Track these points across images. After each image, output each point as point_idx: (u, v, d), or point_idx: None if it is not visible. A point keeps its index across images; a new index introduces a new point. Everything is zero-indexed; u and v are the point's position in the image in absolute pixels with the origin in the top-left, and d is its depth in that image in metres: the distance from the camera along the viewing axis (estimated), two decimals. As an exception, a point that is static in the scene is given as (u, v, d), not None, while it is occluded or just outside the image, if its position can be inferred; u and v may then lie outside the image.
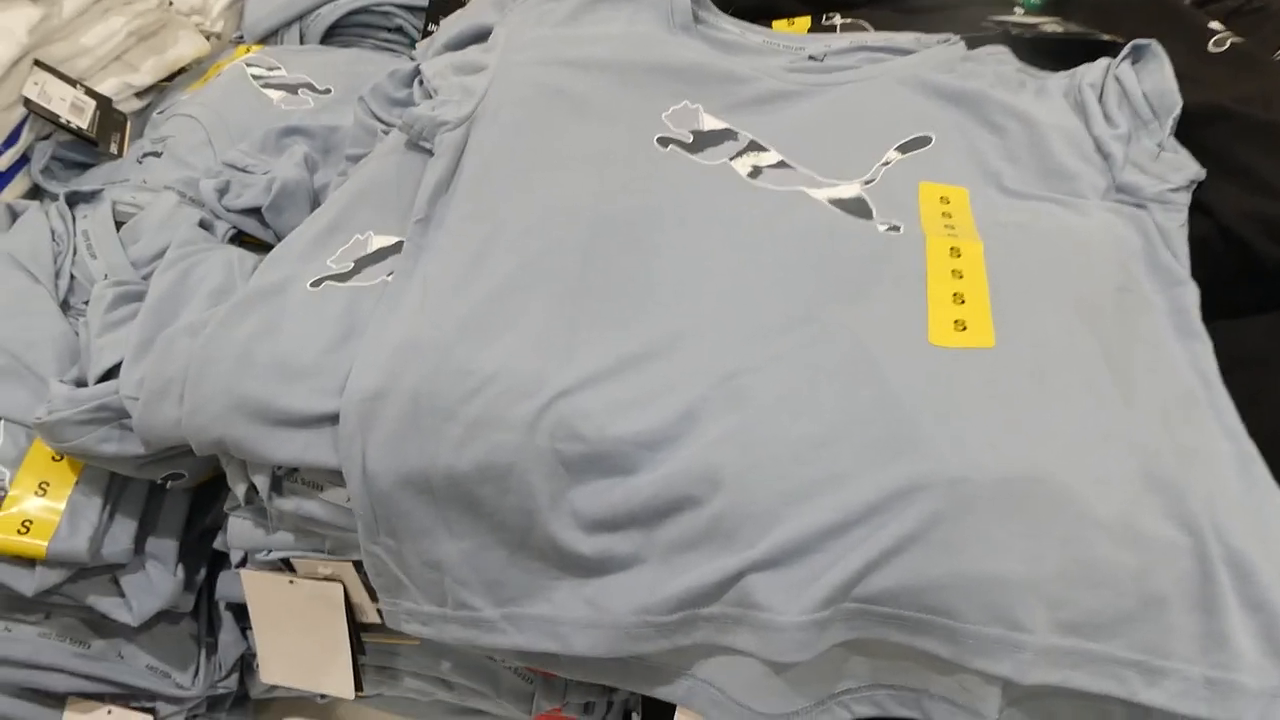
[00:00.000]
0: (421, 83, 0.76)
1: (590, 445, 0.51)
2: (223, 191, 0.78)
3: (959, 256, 0.58)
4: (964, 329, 0.53)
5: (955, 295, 0.56)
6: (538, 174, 0.63)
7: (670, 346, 0.55)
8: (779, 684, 0.52)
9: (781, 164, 0.67)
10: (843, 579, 0.47)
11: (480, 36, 0.79)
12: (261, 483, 0.55)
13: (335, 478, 0.54)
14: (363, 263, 0.62)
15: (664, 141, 0.67)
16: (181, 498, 0.66)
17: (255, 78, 0.91)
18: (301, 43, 1.04)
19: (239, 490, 0.57)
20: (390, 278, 0.59)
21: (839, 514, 0.47)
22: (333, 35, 1.05)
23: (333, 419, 0.54)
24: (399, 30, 1.06)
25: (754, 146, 0.68)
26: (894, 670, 0.51)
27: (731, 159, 0.67)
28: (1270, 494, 0.49)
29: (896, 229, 0.61)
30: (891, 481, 0.47)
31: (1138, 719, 0.49)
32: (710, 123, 0.70)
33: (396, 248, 0.62)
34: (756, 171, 0.67)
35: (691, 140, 0.68)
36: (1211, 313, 0.59)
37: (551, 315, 0.55)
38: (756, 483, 0.49)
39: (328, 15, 1.03)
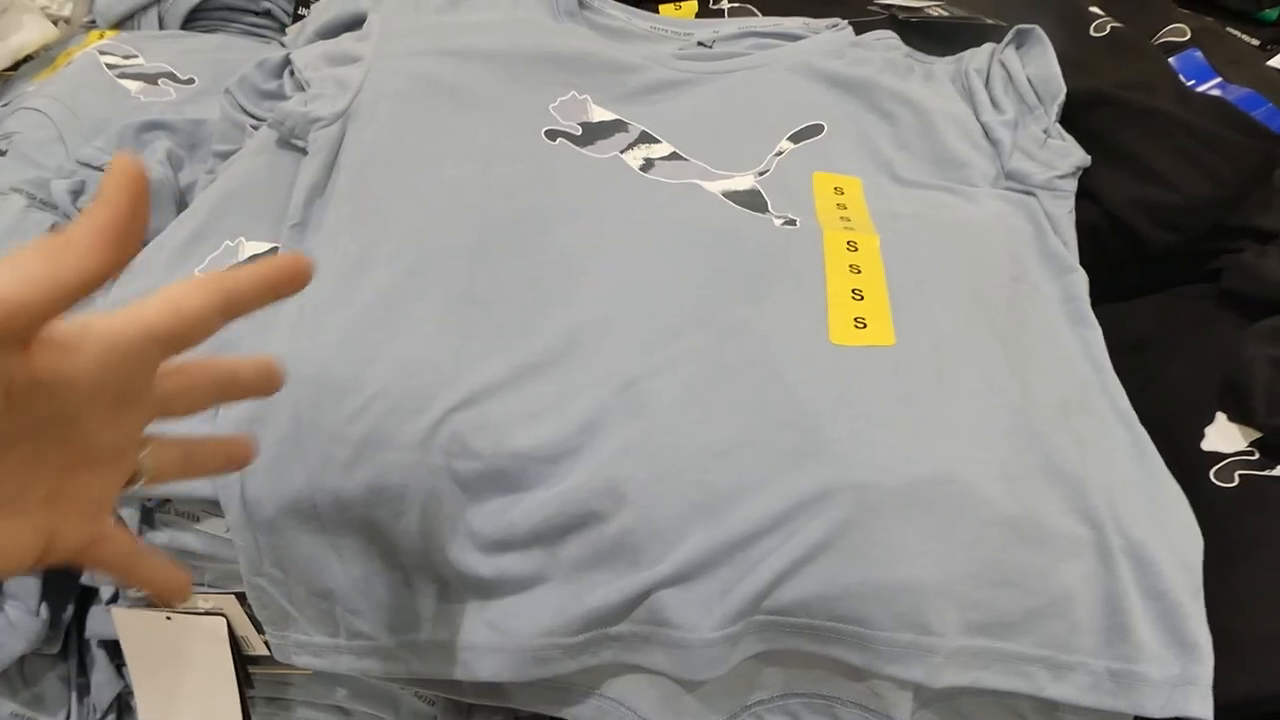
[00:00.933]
0: (292, 73, 0.71)
1: (486, 461, 0.49)
2: (77, 193, 0.72)
3: (855, 251, 0.58)
4: (864, 326, 0.53)
5: (854, 291, 0.55)
6: (419, 173, 0.59)
7: (566, 353, 0.53)
8: (690, 700, 0.51)
9: (674, 156, 0.66)
10: (753, 592, 0.46)
11: (354, 23, 0.74)
12: (130, 516, 0.51)
13: (212, 507, 0.50)
14: (234, 272, 0.58)
15: (552, 135, 0.65)
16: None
17: (110, 67, 0.85)
18: (161, 28, 0.97)
19: (105, 525, 0.52)
20: (264, 288, 0.55)
21: (747, 525, 0.46)
22: (195, 20, 0.98)
23: None
24: (267, 14, 1.00)
25: (645, 138, 0.66)
26: (806, 679, 0.50)
27: (622, 151, 0.65)
28: (1163, 481, 0.50)
29: (793, 223, 0.60)
30: (798, 490, 0.46)
31: (1046, 712, 0.49)
32: (599, 114, 0.68)
33: (272, 255, 0.58)
34: (649, 164, 0.65)
35: (581, 133, 0.66)
36: (1099, 296, 0.60)
37: (440, 325, 0.53)
38: (661, 495, 0.47)
39: (187, -1, 0.97)
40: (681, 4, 0.86)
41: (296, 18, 0.96)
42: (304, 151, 0.61)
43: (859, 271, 0.56)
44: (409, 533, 0.49)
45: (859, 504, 0.45)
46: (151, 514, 0.52)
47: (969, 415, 0.49)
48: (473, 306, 0.54)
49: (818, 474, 0.46)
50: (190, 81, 0.86)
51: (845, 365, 0.50)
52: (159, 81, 0.85)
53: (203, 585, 0.54)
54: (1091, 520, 0.47)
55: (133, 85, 0.83)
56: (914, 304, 0.54)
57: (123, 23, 0.97)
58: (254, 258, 0.58)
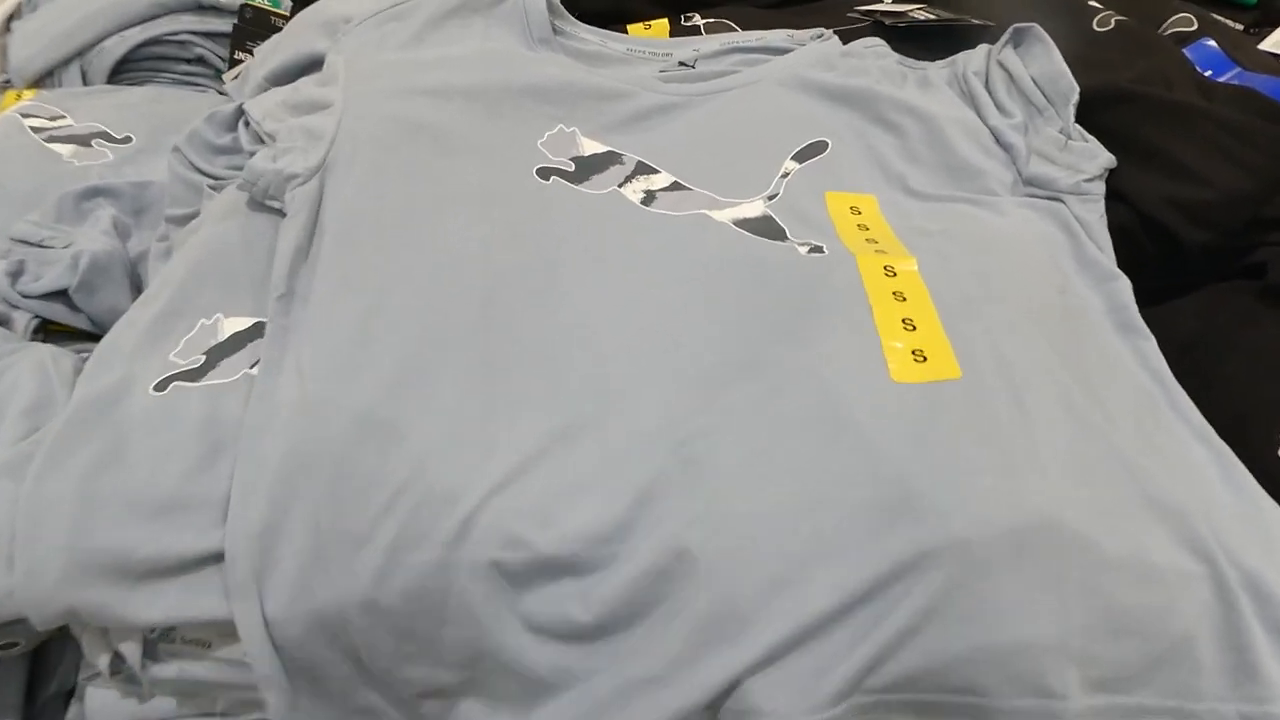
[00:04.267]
0: (248, 125, 0.65)
1: (534, 550, 0.43)
2: (16, 274, 0.65)
3: (894, 276, 0.54)
4: (924, 360, 0.49)
5: (905, 321, 0.51)
6: (412, 227, 0.54)
7: (603, 414, 0.48)
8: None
9: (676, 185, 0.61)
10: (854, 671, 0.41)
11: (310, 66, 0.69)
12: (131, 651, 0.45)
13: (227, 628, 0.44)
14: (216, 354, 0.52)
15: (544, 173, 0.60)
16: (18, 664, 0.54)
17: (36, 130, 0.77)
18: (85, 83, 0.89)
19: (100, 662, 0.46)
20: (255, 370, 0.50)
21: (838, 596, 0.41)
22: (122, 71, 0.91)
23: (215, 559, 0.44)
24: (200, 61, 0.93)
25: (643, 169, 0.62)
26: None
27: (620, 185, 0.60)
28: (1260, 500, 0.47)
29: (820, 249, 0.56)
30: (893, 552, 0.41)
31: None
32: (590, 146, 0.63)
33: (256, 331, 0.52)
34: (650, 197, 0.60)
35: (574, 168, 0.61)
36: (1136, 300, 0.57)
37: (461, 397, 0.47)
38: (736, 568, 0.42)
39: (114, 49, 0.89)
40: (651, 23, 0.81)
41: (233, 62, 0.90)
42: (279, 213, 0.55)
43: (904, 299, 0.52)
44: (455, 639, 0.43)
45: (961, 563, 0.41)
46: (155, 646, 0.46)
47: (1057, 448, 0.45)
48: (492, 373, 0.49)
49: (911, 533, 0.42)
50: (127, 140, 0.79)
51: (915, 405, 0.46)
52: (93, 142, 0.78)
53: (215, 715, 0.48)
54: (1202, 553, 0.43)
55: (64, 149, 0.76)
56: (969, 329, 0.50)
57: (42, 80, 0.90)
58: (235, 336, 0.52)
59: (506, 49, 0.67)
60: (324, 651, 0.43)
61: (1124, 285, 0.56)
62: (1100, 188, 0.60)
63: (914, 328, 0.50)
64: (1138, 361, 0.54)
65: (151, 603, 0.43)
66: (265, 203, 0.56)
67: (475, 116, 0.61)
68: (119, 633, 0.45)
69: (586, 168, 0.61)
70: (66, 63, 0.89)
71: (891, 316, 0.51)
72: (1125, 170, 0.61)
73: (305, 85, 0.65)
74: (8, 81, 0.91)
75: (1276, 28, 0.77)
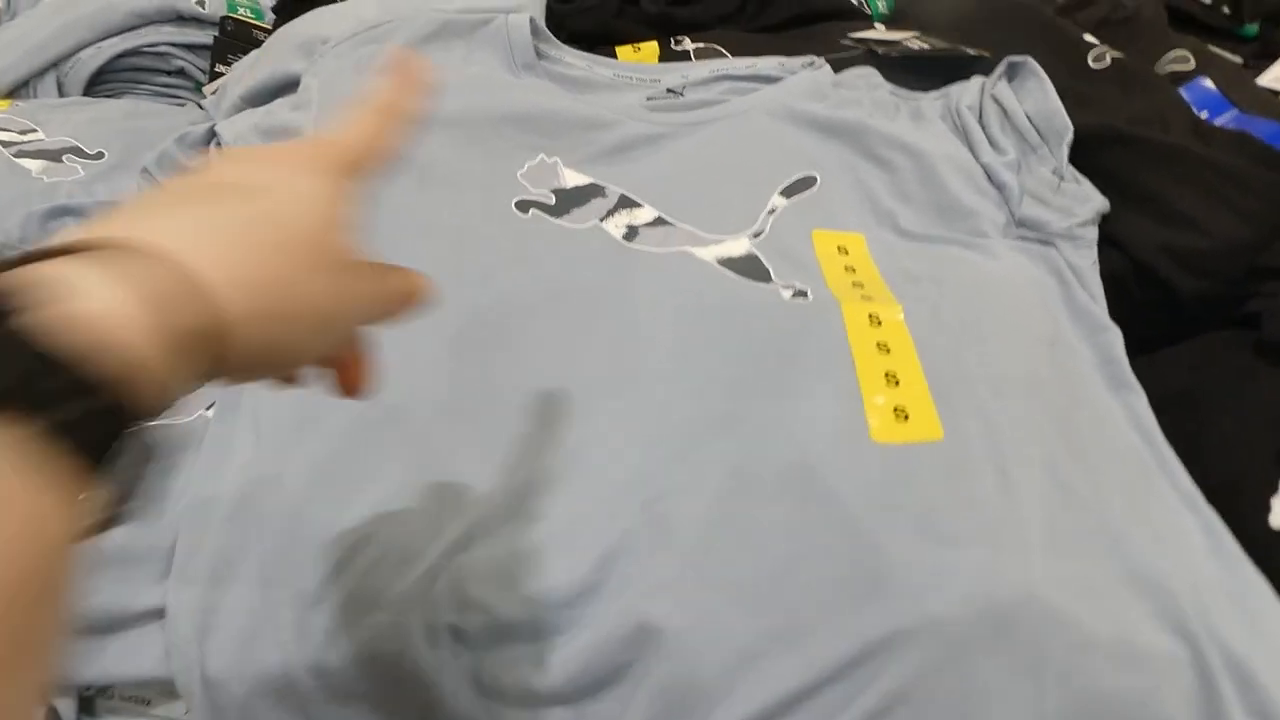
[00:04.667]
0: (220, 145, 0.63)
1: (492, 614, 0.41)
2: (-23, 296, 0.63)
3: (880, 325, 0.52)
4: (906, 418, 0.47)
5: (888, 375, 0.49)
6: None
7: (571, 468, 0.46)
8: None
9: (659, 221, 0.59)
10: (822, 753, 0.39)
11: (285, 88, 0.67)
12: (67, 709, 0.43)
13: (167, 686, 0.42)
14: (172, 393, 0.50)
15: (523, 206, 0.58)
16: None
17: (5, 145, 0.75)
18: (61, 94, 0.87)
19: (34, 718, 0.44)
20: (210, 413, 0.48)
21: (806, 674, 0.39)
22: (100, 83, 0.88)
23: (155, 615, 0.42)
24: (180, 73, 0.91)
25: (625, 202, 0.60)
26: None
27: (602, 219, 0.59)
28: (1247, 574, 0.45)
29: (803, 294, 0.54)
30: (865, 630, 0.39)
31: None
32: (572, 178, 0.61)
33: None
34: (632, 233, 0.58)
35: (554, 201, 0.59)
36: (1128, 349, 0.55)
37: (422, 449, 0.45)
38: (701, 641, 0.40)
39: (91, 60, 0.87)
40: (641, 46, 0.79)
41: (213, 75, 0.88)
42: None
43: (888, 350, 0.50)
44: (408, 702, 0.42)
45: (936, 644, 0.39)
46: (92, 702, 0.44)
47: (1041, 519, 0.43)
48: (459, 420, 0.47)
49: (885, 611, 0.40)
50: (99, 156, 0.77)
51: (894, 469, 0.44)
52: (63, 158, 0.76)
53: (157, 775, 0.46)
54: (1186, 634, 0.41)
55: (33, 165, 0.74)
56: (956, 387, 0.49)
57: (17, 91, 0.88)
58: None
59: (488, 75, 0.65)
60: (269, 712, 0.41)
61: (1115, 337, 0.55)
62: (1093, 232, 0.59)
63: (897, 383, 0.49)
64: (1128, 419, 0.52)
65: (89, 660, 0.41)
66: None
67: (454, 146, 0.59)
68: (54, 689, 0.43)
69: (568, 200, 0.59)
70: (42, 74, 0.87)
71: (874, 370, 0.49)
72: (1119, 215, 0.59)
73: (279, 109, 0.63)
74: (-18, 91, 0.89)
75: (1276, 60, 0.75)
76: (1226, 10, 0.79)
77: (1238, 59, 0.79)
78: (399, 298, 0.35)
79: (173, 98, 0.90)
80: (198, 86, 0.91)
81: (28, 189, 0.72)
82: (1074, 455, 0.47)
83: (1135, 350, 0.59)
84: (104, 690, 0.44)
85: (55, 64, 0.88)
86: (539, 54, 0.69)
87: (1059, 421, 0.48)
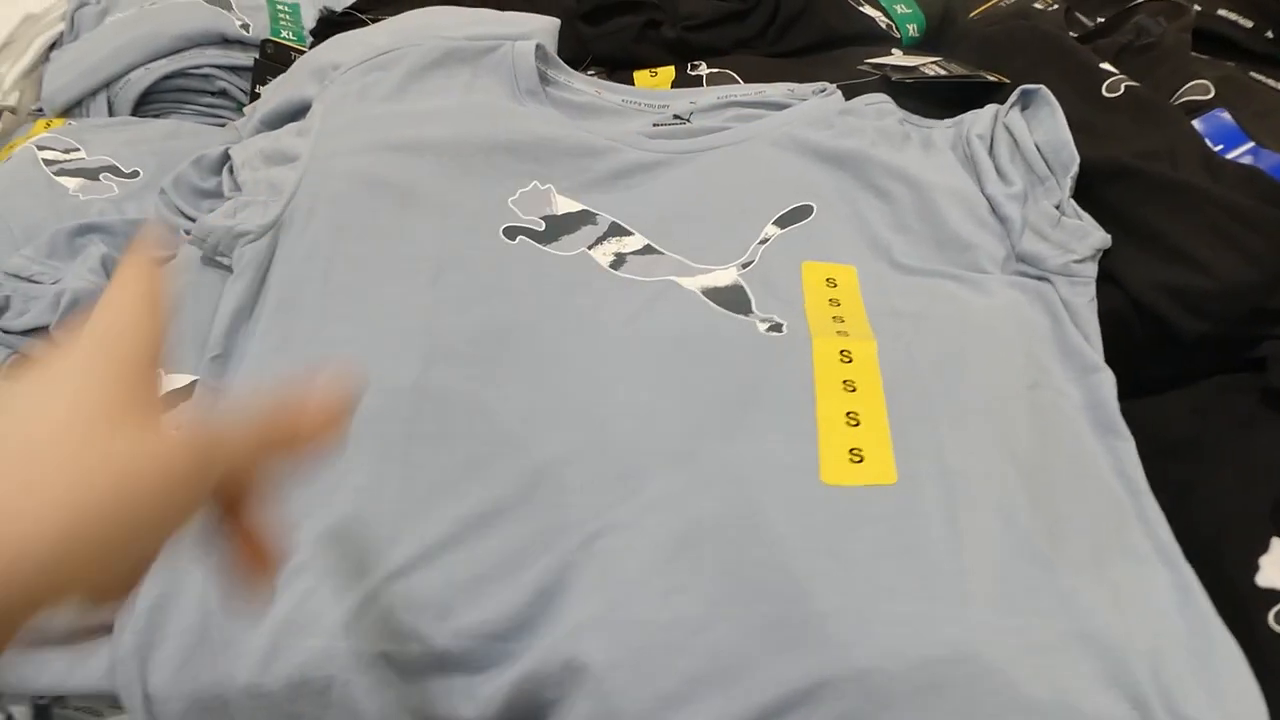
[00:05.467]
0: (232, 171, 0.65)
1: (426, 644, 0.42)
2: (2, 310, 0.66)
3: (850, 362, 0.51)
4: (860, 460, 0.46)
5: (849, 415, 0.48)
6: (359, 290, 0.53)
7: (523, 499, 0.46)
8: None
9: (648, 249, 0.59)
10: (734, 805, 0.38)
11: (299, 113, 0.69)
12: (22, 714, 0.45)
13: (115, 699, 0.44)
14: (151, 411, 0.51)
15: (511, 233, 0.58)
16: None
17: (48, 163, 0.79)
18: (111, 114, 0.91)
19: (-7, 725, 0.46)
20: (181, 433, 0.49)
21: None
22: (147, 103, 0.93)
23: (105, 629, 0.43)
24: (223, 94, 0.94)
25: (616, 230, 0.60)
26: None
27: (590, 247, 0.59)
28: (1217, 635, 0.43)
29: (779, 328, 0.53)
30: (790, 678, 0.39)
31: None
32: (565, 205, 0.61)
33: (192, 390, 0.52)
34: (619, 260, 0.58)
35: (544, 228, 0.59)
36: (1124, 390, 0.53)
37: (376, 474, 0.46)
38: (626, 681, 0.40)
39: (139, 81, 0.91)
40: (658, 71, 0.80)
41: (253, 97, 0.91)
42: (231, 270, 0.55)
43: (854, 389, 0.49)
44: (339, 730, 0.42)
45: (861, 696, 0.38)
46: (48, 710, 0.45)
47: (987, 572, 0.42)
48: (417, 447, 0.48)
49: (810, 660, 0.39)
50: (134, 175, 0.80)
51: (839, 512, 0.43)
52: (100, 177, 0.79)
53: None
54: (1134, 698, 0.39)
55: (71, 183, 0.78)
56: (918, 429, 0.47)
57: (71, 110, 0.92)
58: (171, 394, 0.52)
59: (489, 102, 0.66)
60: (207, 732, 0.43)
61: (1106, 379, 0.52)
62: (1091, 269, 0.56)
63: (858, 423, 0.48)
64: (1111, 466, 0.50)
65: (39, 671, 0.43)
66: (216, 259, 0.56)
67: (445, 174, 0.60)
68: (10, 695, 0.45)
69: (558, 227, 0.60)
70: (94, 94, 0.91)
71: (836, 409, 0.48)
72: (1121, 252, 0.57)
73: (285, 134, 0.65)
74: (39, 110, 0.93)
75: (1324, 90, 0.71)
76: (1270, 35, 0.75)
77: (1282, 86, 0.75)
78: (280, 444, 0.31)
79: (216, 118, 0.94)
80: (239, 107, 0.94)
81: (64, 207, 0.76)
82: (1038, 504, 0.45)
83: (1137, 391, 0.57)
84: (59, 699, 0.45)
85: (107, 84, 0.92)
86: (547, 80, 0.70)
87: (1027, 468, 0.47)
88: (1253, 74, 0.74)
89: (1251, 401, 0.54)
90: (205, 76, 0.93)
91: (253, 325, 0.52)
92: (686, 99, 0.72)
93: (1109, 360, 0.54)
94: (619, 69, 0.83)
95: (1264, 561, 0.47)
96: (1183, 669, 0.41)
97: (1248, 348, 0.57)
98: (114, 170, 0.80)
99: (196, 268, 0.57)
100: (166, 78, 0.92)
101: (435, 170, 0.60)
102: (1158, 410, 0.56)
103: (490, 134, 0.63)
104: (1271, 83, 0.74)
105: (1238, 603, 0.46)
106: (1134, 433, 0.51)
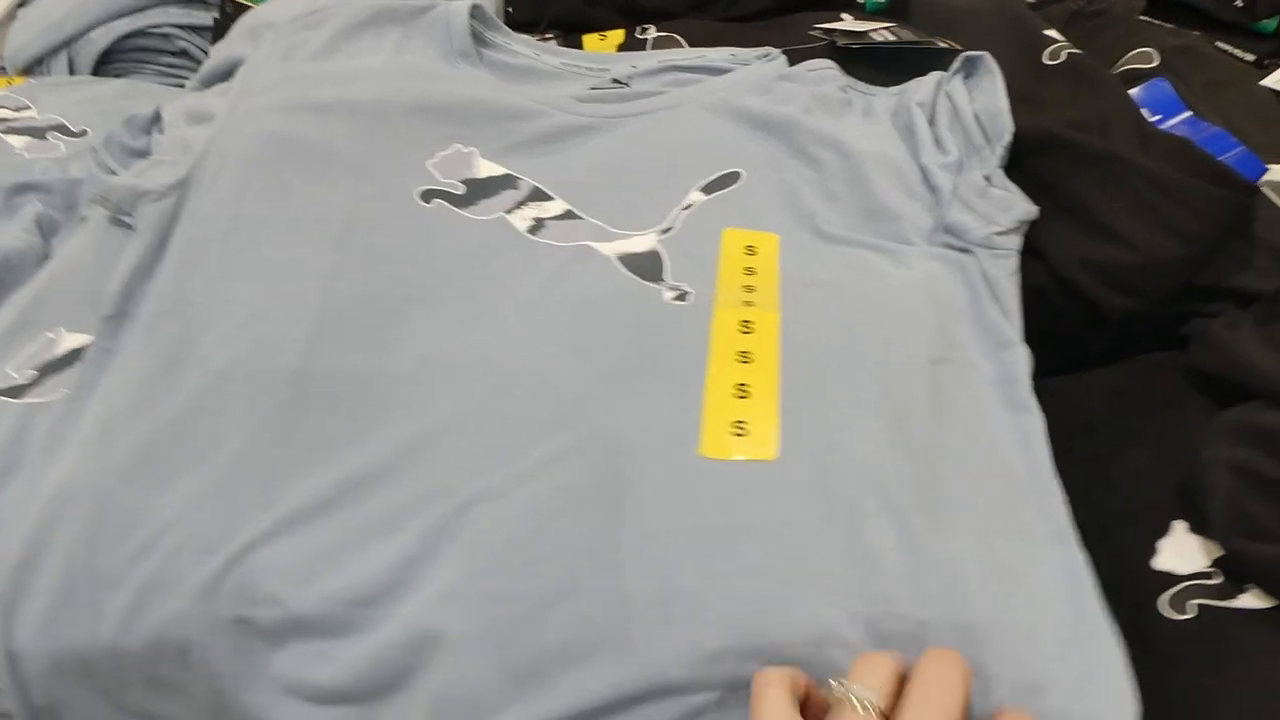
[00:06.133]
0: (162, 130, 0.65)
1: (287, 609, 0.42)
2: (-64, 266, 0.66)
3: (749, 333, 0.50)
4: (743, 434, 0.45)
5: (739, 387, 0.47)
6: (258, 251, 0.53)
7: (400, 467, 0.45)
8: None
9: (568, 214, 0.58)
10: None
11: (232, 73, 0.68)
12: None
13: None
14: (48, 370, 0.51)
15: (427, 196, 0.57)
16: None
17: (-1, 120, 0.79)
18: (72, 72, 0.91)
19: None
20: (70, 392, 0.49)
21: (580, 701, 0.38)
22: (109, 62, 0.92)
23: None
24: (184, 54, 0.94)
25: (537, 195, 0.59)
26: None
27: (509, 211, 0.58)
28: (1096, 626, 0.41)
29: (684, 296, 0.52)
30: (647, 655, 0.38)
31: None
32: (486, 168, 0.60)
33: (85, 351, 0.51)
34: (538, 225, 0.57)
35: (464, 191, 0.58)
36: (1052, 366, 0.52)
37: (252, 442, 0.46)
38: (481, 653, 0.40)
39: (99, 40, 0.90)
40: (607, 34, 0.78)
41: (212, 57, 0.90)
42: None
43: (749, 360, 0.48)
44: (201, 691, 0.42)
45: (715, 676, 0.37)
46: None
47: (852, 555, 0.41)
48: (298, 411, 0.47)
49: (667, 639, 0.38)
50: (83, 134, 0.80)
51: (711, 487, 0.42)
52: (48, 135, 0.79)
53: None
54: (985, 678, 0.38)
55: (18, 141, 0.78)
56: (808, 402, 0.46)
57: (33, 68, 0.92)
58: (71, 354, 0.52)
59: (416, 63, 0.65)
60: (73, 689, 0.43)
61: (1020, 354, 0.51)
62: (1014, 242, 0.55)
63: (747, 395, 0.47)
64: (1017, 442, 0.48)
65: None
66: (119, 219, 0.55)
67: (363, 134, 0.59)
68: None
69: (477, 191, 0.59)
70: (56, 52, 0.91)
71: (726, 381, 0.47)
72: (1048, 225, 0.55)
73: (211, 93, 0.64)
74: (1, 68, 0.93)
75: (1292, 61, 0.69)
76: (1240, 3, 0.72)
77: (1250, 56, 0.72)
78: None
79: (177, 78, 0.93)
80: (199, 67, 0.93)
81: (8, 165, 0.76)
82: (923, 483, 0.44)
83: (1066, 368, 0.56)
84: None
85: (68, 43, 0.91)
86: (485, 42, 0.69)
87: (917, 446, 0.45)
88: (1219, 43, 0.71)
89: (1175, 381, 0.53)
90: (165, 36, 0.92)
91: (151, 286, 0.52)
92: (628, 63, 0.71)
93: (1034, 336, 0.52)
94: (574, 31, 0.81)
95: (1162, 545, 0.46)
96: (1052, 655, 0.40)
97: (1181, 325, 0.55)
98: (62, 129, 0.80)
99: (102, 228, 0.56)
100: (127, 37, 0.91)
101: (353, 130, 0.59)
102: (1079, 388, 0.55)
103: (414, 95, 0.62)
104: (1238, 52, 0.72)
105: (1132, 587, 0.45)
106: (1053, 410, 0.49)
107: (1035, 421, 0.49)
